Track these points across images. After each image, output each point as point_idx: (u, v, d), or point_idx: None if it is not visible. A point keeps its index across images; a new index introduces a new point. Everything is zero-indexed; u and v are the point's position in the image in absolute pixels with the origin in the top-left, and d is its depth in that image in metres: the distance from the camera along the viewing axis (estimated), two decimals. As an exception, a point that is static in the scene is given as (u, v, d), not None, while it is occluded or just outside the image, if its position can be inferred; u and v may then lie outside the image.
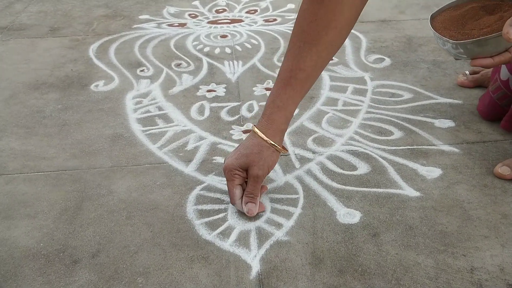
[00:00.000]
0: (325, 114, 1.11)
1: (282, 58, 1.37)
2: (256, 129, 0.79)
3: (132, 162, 0.96)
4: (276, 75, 1.27)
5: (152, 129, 1.07)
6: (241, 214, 0.82)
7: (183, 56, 1.41)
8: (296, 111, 1.11)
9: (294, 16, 1.69)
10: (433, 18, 0.86)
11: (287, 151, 0.84)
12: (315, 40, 0.75)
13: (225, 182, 0.89)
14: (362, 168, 0.93)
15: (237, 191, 0.80)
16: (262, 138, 0.78)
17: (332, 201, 0.85)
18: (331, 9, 0.72)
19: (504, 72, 0.98)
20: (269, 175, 0.91)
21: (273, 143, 0.79)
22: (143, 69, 1.34)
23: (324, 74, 1.29)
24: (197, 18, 1.71)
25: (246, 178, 0.81)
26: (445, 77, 1.26)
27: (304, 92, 0.79)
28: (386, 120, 1.08)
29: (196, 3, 1.83)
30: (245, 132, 1.05)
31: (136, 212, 0.83)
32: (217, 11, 1.77)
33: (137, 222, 0.81)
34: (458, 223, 0.79)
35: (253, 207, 0.79)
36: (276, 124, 0.79)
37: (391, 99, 1.17)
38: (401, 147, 0.99)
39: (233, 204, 0.82)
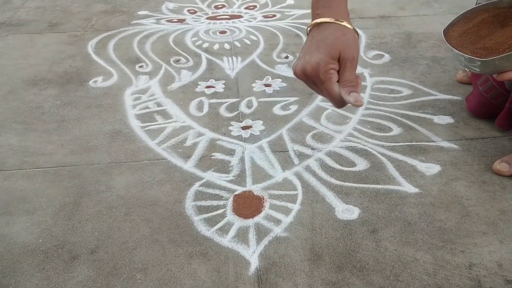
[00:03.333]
0: (324, 110, 1.11)
1: (281, 54, 1.38)
2: (327, 19, 0.68)
3: (131, 158, 0.96)
4: (275, 71, 1.28)
5: (151, 125, 1.07)
6: (240, 210, 0.82)
7: (182, 52, 1.41)
8: (295, 107, 1.12)
9: (293, 12, 1.69)
10: (446, 33, 0.85)
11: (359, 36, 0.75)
12: None
13: (224, 179, 0.89)
14: (361, 165, 0.93)
15: (336, 89, 0.67)
16: (339, 24, 0.68)
17: (331, 197, 0.85)
18: None
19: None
20: (267, 171, 0.91)
21: (351, 26, 0.69)
22: (142, 65, 1.34)
23: (323, 70, 1.28)
24: (196, 14, 1.70)
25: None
26: (444, 74, 1.25)
27: None
28: (385, 116, 1.08)
29: (195, -2, 1.83)
30: (244, 128, 1.05)
31: (135, 208, 0.83)
32: (216, 7, 1.76)
33: (136, 218, 0.81)
34: (456, 219, 0.79)
35: (358, 96, 0.65)
36: (341, 8, 0.70)
37: (390, 95, 1.16)
38: (400, 143, 0.98)
39: (340, 105, 0.68)
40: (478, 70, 0.78)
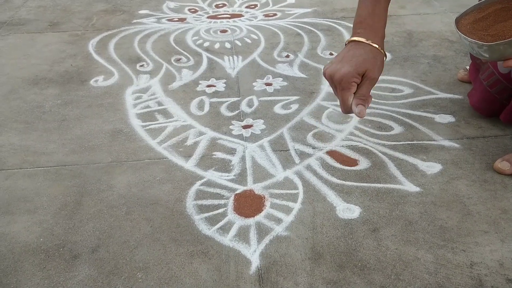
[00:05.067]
0: (325, 109, 1.11)
1: (282, 53, 1.38)
2: (363, 39, 0.81)
3: (132, 157, 0.96)
4: (276, 70, 1.28)
5: (152, 124, 1.07)
6: (241, 209, 0.82)
7: (182, 51, 1.41)
8: (296, 106, 1.12)
9: (294, 10, 1.69)
10: (457, 21, 0.86)
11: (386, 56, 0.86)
12: None
13: (225, 178, 0.89)
14: (362, 164, 0.93)
15: (351, 98, 0.80)
16: (373, 46, 0.81)
17: (332, 196, 0.85)
18: None
19: (503, 66, 0.97)
20: (268, 170, 0.91)
21: (382, 50, 0.82)
22: (143, 64, 1.34)
23: (324, 69, 1.28)
24: (197, 13, 1.70)
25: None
26: (445, 72, 1.25)
27: (388, 4, 0.84)
28: (386, 115, 1.08)
29: (196, -2, 1.83)
30: (245, 127, 1.05)
31: (136, 207, 0.83)
32: (217, 6, 1.76)
33: (136, 217, 0.81)
34: (458, 218, 0.79)
35: (363, 110, 0.80)
36: (380, 33, 0.83)
37: (391, 94, 1.16)
38: (401, 142, 0.98)
39: (347, 111, 0.81)
40: (487, 56, 0.79)
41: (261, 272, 0.70)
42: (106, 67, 1.33)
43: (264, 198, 0.85)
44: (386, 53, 0.86)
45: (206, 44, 1.46)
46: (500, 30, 0.80)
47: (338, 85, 0.81)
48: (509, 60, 0.78)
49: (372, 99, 0.84)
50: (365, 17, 0.83)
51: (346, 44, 0.84)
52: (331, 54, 1.37)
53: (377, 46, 0.82)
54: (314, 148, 0.98)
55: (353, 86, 0.81)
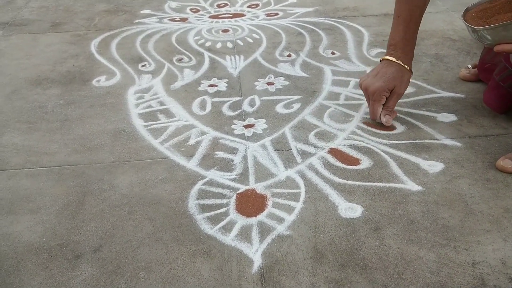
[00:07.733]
0: (327, 108, 1.11)
1: (284, 53, 1.39)
2: (394, 59, 0.99)
3: (134, 157, 0.96)
4: (277, 70, 1.28)
5: (154, 124, 1.07)
6: (243, 209, 0.82)
7: (184, 51, 1.41)
8: (298, 105, 1.12)
9: (296, 10, 1.69)
10: (468, 10, 0.91)
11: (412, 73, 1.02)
12: None
13: (227, 177, 0.89)
14: (364, 163, 0.93)
15: (380, 109, 1.01)
16: (403, 66, 0.99)
17: (334, 196, 0.85)
18: None
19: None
20: (270, 169, 0.91)
21: (410, 69, 1.00)
22: (145, 64, 1.34)
23: (326, 68, 1.28)
24: (198, 13, 1.70)
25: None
26: (447, 71, 1.25)
27: (419, 25, 0.99)
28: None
29: (198, -3, 1.83)
30: (246, 126, 1.05)
31: (138, 207, 0.83)
32: (218, 6, 1.76)
33: (139, 217, 0.81)
34: (460, 217, 0.79)
35: (389, 119, 1.01)
36: (409, 55, 1.00)
37: (393, 93, 1.16)
38: (403, 141, 0.98)
39: (374, 119, 1.02)
40: (490, 39, 0.82)
41: (263, 272, 0.71)
42: (108, 67, 1.33)
43: (266, 197, 0.85)
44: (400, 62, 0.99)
45: (208, 43, 1.46)
46: (500, 19, 0.83)
47: (371, 96, 0.99)
48: (499, 45, 0.81)
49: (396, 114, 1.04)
50: (398, 41, 0.99)
51: (380, 61, 1.01)
52: (333, 53, 1.37)
53: (406, 66, 0.99)
54: (316, 147, 0.98)
55: (383, 98, 0.99)
